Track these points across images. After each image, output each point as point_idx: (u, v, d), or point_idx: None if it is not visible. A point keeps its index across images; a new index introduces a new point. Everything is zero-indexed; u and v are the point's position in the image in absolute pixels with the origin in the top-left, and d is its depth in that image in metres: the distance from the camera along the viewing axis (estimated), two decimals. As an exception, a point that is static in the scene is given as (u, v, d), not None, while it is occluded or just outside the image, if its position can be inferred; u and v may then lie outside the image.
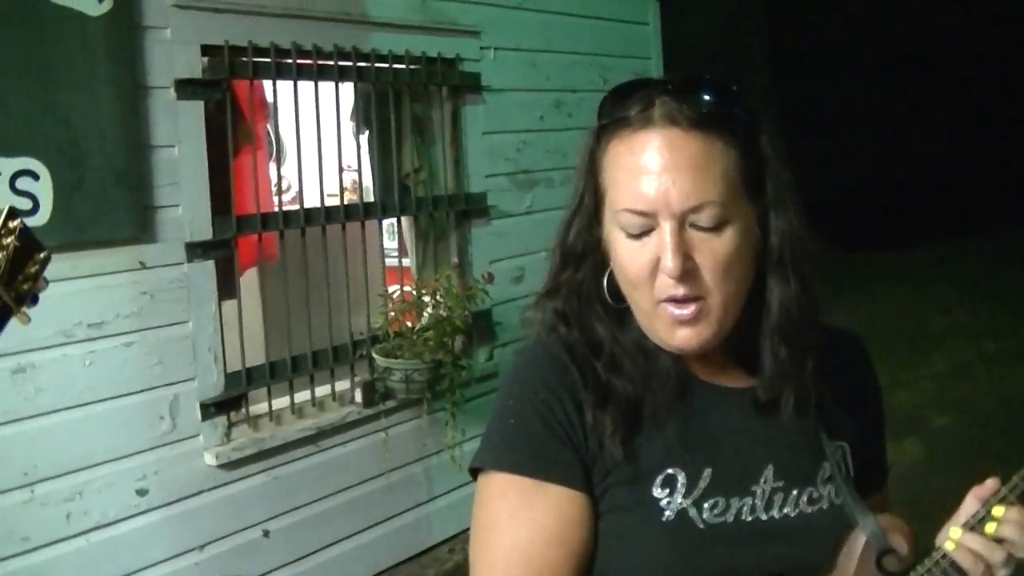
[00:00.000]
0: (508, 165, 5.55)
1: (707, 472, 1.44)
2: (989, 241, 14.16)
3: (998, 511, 1.46)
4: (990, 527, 1.45)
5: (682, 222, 1.38)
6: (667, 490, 1.43)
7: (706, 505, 1.43)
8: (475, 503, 1.49)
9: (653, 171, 1.38)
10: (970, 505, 1.49)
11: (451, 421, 4.80)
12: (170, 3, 3.95)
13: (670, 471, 1.44)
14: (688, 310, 1.40)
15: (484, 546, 1.45)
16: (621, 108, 1.43)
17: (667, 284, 1.39)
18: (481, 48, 5.36)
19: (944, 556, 1.47)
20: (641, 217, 1.39)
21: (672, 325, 1.42)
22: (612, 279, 1.49)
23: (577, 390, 1.45)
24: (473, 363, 5.07)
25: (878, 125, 18.24)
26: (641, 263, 1.40)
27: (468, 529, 1.50)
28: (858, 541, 1.49)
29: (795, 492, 1.48)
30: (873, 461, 1.65)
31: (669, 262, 1.37)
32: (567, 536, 1.42)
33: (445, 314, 4.69)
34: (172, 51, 3.96)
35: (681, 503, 1.42)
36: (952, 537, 1.48)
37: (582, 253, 1.51)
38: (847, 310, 11.47)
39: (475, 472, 1.50)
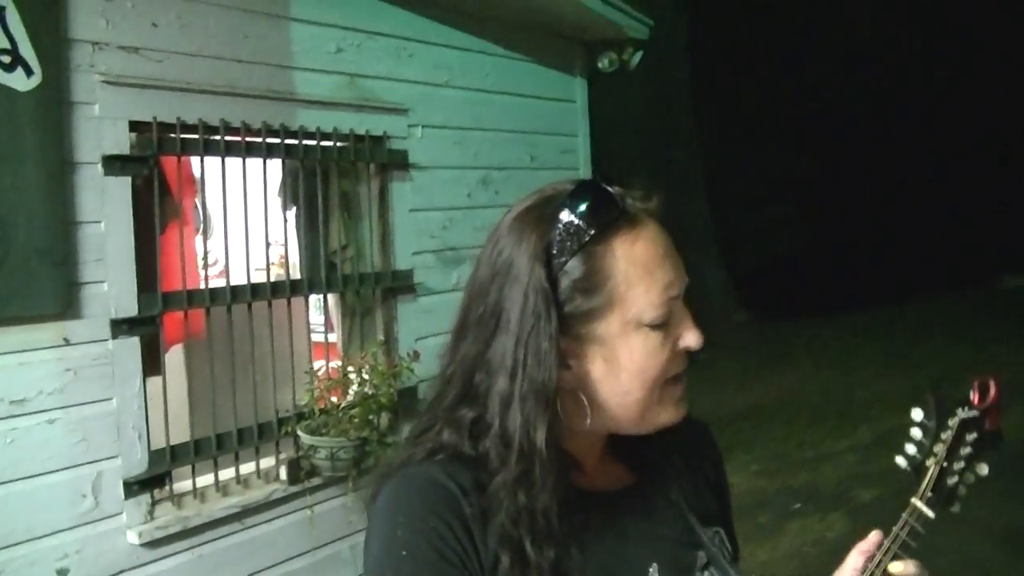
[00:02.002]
0: (435, 242, 5.58)
1: None
2: (911, 309, 14.43)
3: (894, 567, 1.49)
4: None
5: None
6: None
7: None
8: None
9: (670, 255, 1.44)
10: (854, 560, 1.53)
11: (377, 498, 4.76)
12: (99, 79, 3.96)
13: None
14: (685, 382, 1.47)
15: None
16: (612, 207, 1.41)
17: (681, 362, 1.45)
18: (409, 126, 5.41)
19: None
20: (671, 304, 1.42)
21: (678, 401, 1.47)
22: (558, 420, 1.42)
23: (467, 518, 1.37)
24: (399, 441, 5.04)
25: (802, 197, 18.59)
26: (667, 351, 1.43)
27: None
28: None
29: None
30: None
31: (696, 333, 1.44)
32: None
33: (371, 391, 4.69)
34: (100, 127, 3.96)
35: None
36: None
37: (554, 389, 1.39)
38: (773, 381, 11.63)
39: None
